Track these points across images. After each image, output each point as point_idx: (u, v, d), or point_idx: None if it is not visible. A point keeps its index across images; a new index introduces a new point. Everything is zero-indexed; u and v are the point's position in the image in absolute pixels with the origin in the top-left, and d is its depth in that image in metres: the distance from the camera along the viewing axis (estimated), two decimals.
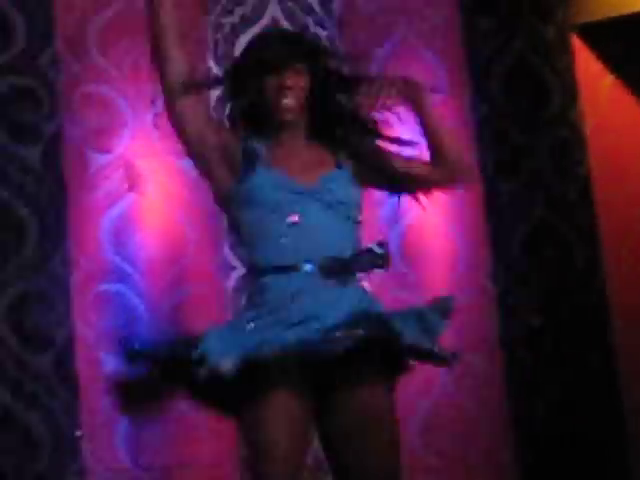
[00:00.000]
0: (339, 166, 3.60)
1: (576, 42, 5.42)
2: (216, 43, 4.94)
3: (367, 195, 4.17)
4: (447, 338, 4.30)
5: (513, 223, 5.45)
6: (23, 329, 4.46)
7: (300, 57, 3.61)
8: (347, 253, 3.53)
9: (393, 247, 4.92)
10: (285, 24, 5.11)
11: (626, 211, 5.45)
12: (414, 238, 5.19)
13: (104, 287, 4.59)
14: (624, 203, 5.41)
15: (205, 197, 4.09)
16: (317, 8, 5.20)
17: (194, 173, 4.01)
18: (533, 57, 5.47)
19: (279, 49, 3.62)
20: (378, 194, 4.58)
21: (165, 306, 4.68)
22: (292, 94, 3.52)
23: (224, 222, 4.32)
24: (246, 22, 5.07)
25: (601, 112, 5.43)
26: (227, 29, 5.00)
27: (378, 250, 3.58)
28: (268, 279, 3.50)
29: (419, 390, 5.11)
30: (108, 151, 4.65)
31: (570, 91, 5.42)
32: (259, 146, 3.57)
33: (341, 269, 3.56)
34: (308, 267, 3.51)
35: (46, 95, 4.54)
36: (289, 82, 3.52)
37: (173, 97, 3.54)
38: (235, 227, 3.63)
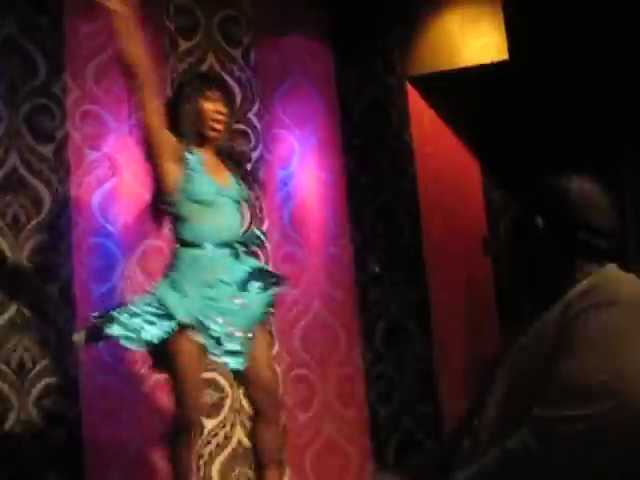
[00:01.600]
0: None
1: (409, 88, 5.61)
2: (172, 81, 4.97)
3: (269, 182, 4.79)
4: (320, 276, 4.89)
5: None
6: (39, 266, 4.51)
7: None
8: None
9: (286, 219, 5.20)
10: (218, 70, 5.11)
11: (446, 204, 5.68)
12: (300, 212, 5.27)
13: (94, 240, 4.65)
14: (438, 191, 5.66)
15: None
16: (240, 60, 5.24)
17: None
18: (383, 98, 5.67)
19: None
20: (277, 183, 5.19)
21: (135, 254, 4.76)
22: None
23: None
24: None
25: (423, 135, 5.68)
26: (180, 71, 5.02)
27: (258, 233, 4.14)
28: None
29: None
30: (98, 149, 4.71)
31: (404, 120, 5.62)
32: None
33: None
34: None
35: (58, 111, 4.62)
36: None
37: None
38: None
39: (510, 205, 5.55)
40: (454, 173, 5.84)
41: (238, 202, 3.98)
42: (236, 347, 3.74)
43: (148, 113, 3.78)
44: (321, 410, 4.91)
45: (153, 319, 3.67)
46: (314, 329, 5.20)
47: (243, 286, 3.83)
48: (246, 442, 4.57)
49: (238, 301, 3.79)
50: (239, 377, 3.96)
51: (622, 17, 4.82)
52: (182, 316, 3.66)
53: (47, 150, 4.64)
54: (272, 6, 5.42)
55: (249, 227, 4.19)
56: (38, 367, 4.41)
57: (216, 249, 3.83)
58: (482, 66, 5.32)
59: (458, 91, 5.63)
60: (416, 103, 5.70)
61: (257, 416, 3.91)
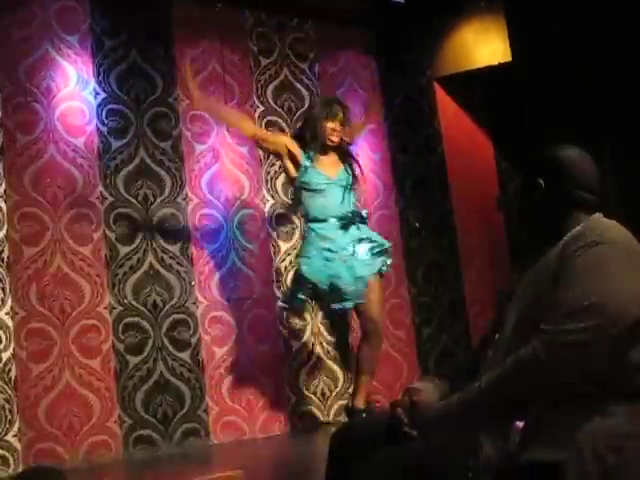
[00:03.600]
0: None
1: (436, 86, 5.62)
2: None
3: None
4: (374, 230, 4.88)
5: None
6: (164, 231, 4.53)
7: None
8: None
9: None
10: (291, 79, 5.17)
11: (467, 174, 5.68)
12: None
13: (204, 211, 4.66)
14: (461, 164, 5.64)
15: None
16: (307, 71, 5.24)
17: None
18: (416, 94, 5.65)
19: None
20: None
21: (234, 220, 4.74)
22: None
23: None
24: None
25: (448, 121, 5.67)
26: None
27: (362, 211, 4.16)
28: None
29: None
30: (204, 143, 4.73)
31: (433, 110, 5.63)
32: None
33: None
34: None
35: (173, 116, 4.65)
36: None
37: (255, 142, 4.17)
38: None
39: (515, 172, 5.49)
40: (473, 149, 5.80)
41: (345, 188, 4.06)
42: (346, 296, 3.92)
43: (259, 137, 4.17)
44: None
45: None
46: None
47: (352, 251, 3.95)
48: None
49: (347, 262, 3.92)
50: (355, 311, 4.07)
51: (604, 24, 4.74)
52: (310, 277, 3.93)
53: (166, 145, 4.69)
54: (328, 29, 5.37)
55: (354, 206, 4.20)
56: (167, 306, 4.45)
57: (328, 223, 3.97)
58: (491, 67, 5.36)
59: (474, 87, 5.64)
60: (442, 97, 5.71)
61: (364, 338, 4.04)
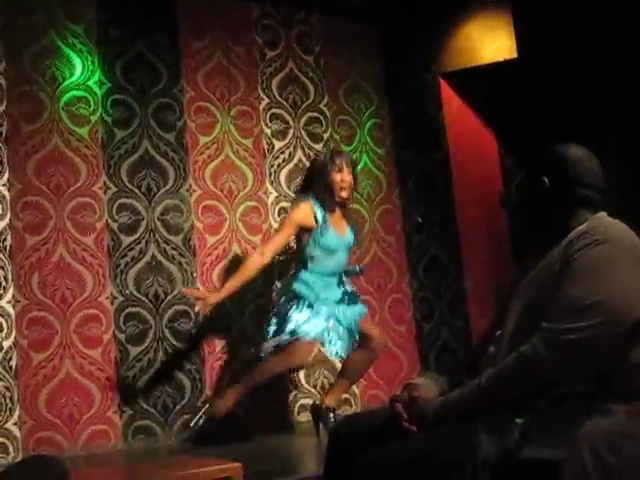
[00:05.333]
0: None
1: (441, 81, 5.56)
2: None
3: None
4: (376, 225, 4.81)
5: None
6: (167, 222, 4.50)
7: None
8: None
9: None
10: (297, 72, 5.13)
11: (471, 170, 5.60)
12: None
13: (208, 202, 4.62)
14: (465, 159, 5.58)
15: None
16: (313, 64, 5.20)
17: None
18: (421, 90, 5.60)
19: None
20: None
21: (237, 212, 4.74)
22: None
23: None
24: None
25: (453, 117, 5.61)
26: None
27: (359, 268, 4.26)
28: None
29: None
30: (208, 135, 4.68)
31: (438, 106, 5.56)
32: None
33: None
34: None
35: (177, 107, 4.62)
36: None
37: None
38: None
39: (519, 168, 5.48)
40: (477, 145, 5.77)
41: (349, 248, 4.10)
42: (338, 340, 3.94)
43: (287, 240, 4.03)
44: (380, 326, 4.80)
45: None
46: (373, 266, 5.13)
47: (341, 301, 3.99)
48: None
49: (339, 312, 3.96)
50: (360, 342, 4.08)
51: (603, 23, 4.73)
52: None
53: (170, 136, 4.67)
54: (334, 22, 5.36)
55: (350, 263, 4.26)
56: (168, 297, 4.45)
57: (329, 277, 3.98)
58: (497, 63, 5.28)
59: (478, 83, 5.56)
60: (447, 93, 5.64)
61: (364, 350, 4.06)
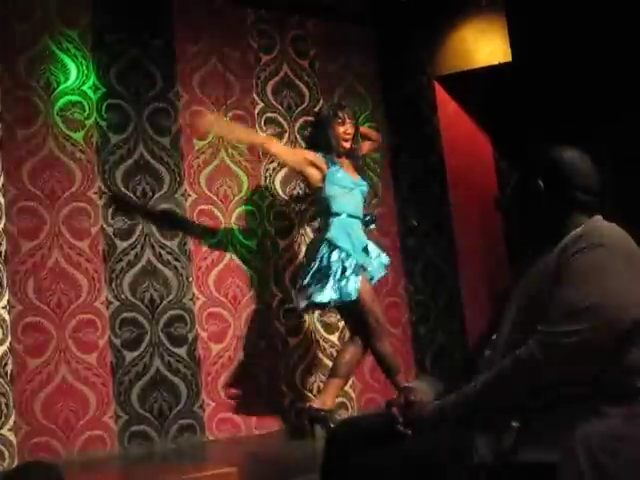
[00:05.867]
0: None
1: (436, 85, 5.57)
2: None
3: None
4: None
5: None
6: (162, 226, 4.52)
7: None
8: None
9: None
10: (292, 76, 5.16)
11: (466, 173, 5.60)
12: None
13: (203, 207, 4.61)
14: (459, 163, 5.58)
15: None
16: (308, 68, 5.20)
17: None
18: (416, 93, 5.61)
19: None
20: None
21: (232, 215, 4.83)
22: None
23: None
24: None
25: (448, 120, 5.62)
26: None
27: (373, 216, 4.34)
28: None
29: None
30: (204, 139, 4.67)
31: (432, 109, 5.58)
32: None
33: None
34: None
35: (173, 111, 4.61)
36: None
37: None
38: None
39: (514, 171, 5.51)
40: (472, 148, 5.78)
41: (363, 194, 4.26)
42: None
43: (289, 160, 4.23)
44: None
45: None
46: None
47: (365, 249, 4.13)
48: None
49: (364, 258, 4.08)
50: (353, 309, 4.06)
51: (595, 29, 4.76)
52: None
53: (165, 141, 4.66)
54: (329, 26, 5.35)
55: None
56: (164, 302, 4.44)
57: (350, 218, 4.10)
58: (491, 67, 5.32)
59: (473, 86, 5.58)
60: (442, 96, 5.66)
61: (348, 344, 4.14)
